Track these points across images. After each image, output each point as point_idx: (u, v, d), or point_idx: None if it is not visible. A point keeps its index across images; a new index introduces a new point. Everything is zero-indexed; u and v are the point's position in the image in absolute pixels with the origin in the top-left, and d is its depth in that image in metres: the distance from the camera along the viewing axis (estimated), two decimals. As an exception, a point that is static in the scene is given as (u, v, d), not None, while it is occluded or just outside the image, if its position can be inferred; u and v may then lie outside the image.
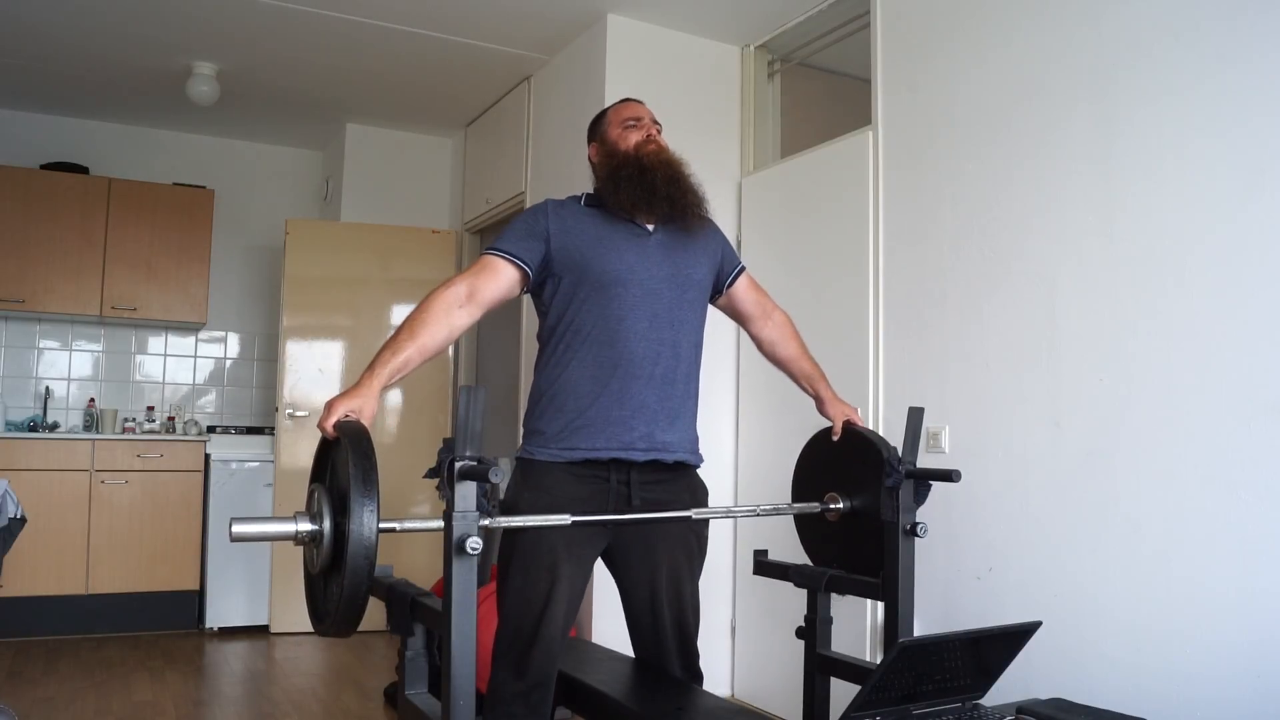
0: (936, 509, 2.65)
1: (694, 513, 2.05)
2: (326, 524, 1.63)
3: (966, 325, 2.86)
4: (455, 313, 2.00)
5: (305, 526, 1.64)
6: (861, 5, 3.41)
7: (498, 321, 5.41)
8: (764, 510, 2.23)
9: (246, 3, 3.78)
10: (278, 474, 4.83)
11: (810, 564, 2.37)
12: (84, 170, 5.07)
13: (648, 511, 2.02)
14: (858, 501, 2.23)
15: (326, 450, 1.76)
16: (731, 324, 3.87)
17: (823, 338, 3.44)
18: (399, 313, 5.11)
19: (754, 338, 2.40)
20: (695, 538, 2.16)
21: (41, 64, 4.45)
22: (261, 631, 4.80)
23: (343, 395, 1.78)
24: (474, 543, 1.57)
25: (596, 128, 2.24)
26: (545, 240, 2.05)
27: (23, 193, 4.83)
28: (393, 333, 1.95)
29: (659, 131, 2.19)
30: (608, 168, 2.14)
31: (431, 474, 1.67)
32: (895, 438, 2.22)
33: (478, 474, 1.59)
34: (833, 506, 2.25)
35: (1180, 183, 2.30)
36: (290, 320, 4.91)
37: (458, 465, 1.58)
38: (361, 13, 3.85)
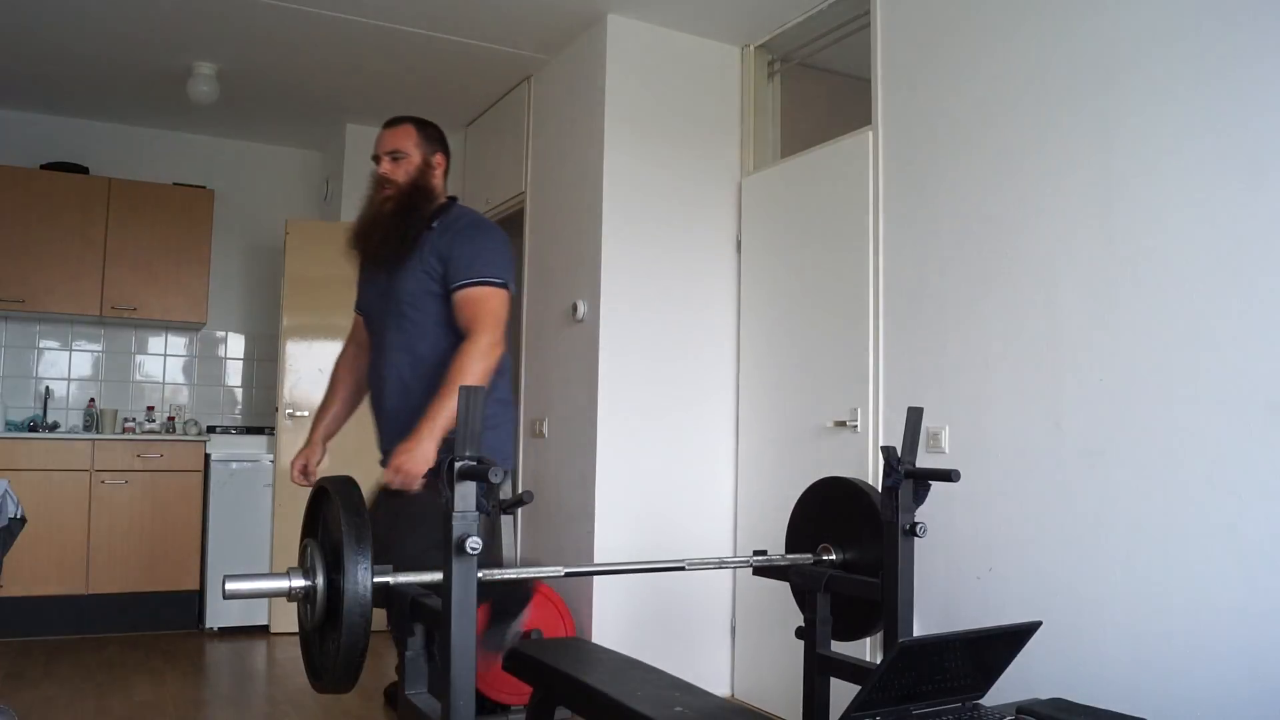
0: (936, 509, 2.65)
1: (686, 562, 2.18)
2: (320, 580, 1.65)
3: (966, 325, 2.86)
4: (358, 360, 2.62)
5: (299, 583, 1.67)
6: (861, 5, 3.40)
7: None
8: (756, 562, 2.27)
9: (246, 3, 3.78)
10: (278, 474, 4.83)
11: (809, 566, 2.37)
12: (84, 170, 5.07)
13: (388, 500, 2.20)
14: (850, 554, 2.26)
15: (317, 505, 1.77)
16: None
17: (823, 338, 3.44)
18: (399, 313, 5.10)
19: None
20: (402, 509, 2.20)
21: (41, 64, 4.45)
22: (261, 631, 4.80)
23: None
24: (474, 543, 1.58)
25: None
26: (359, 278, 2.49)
27: (23, 193, 4.82)
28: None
29: (398, 163, 2.38)
30: (365, 196, 2.45)
31: (432, 474, 1.67)
32: (895, 438, 2.22)
33: (477, 474, 1.59)
34: (825, 558, 2.28)
35: (1180, 182, 2.30)
36: (290, 320, 4.91)
37: (457, 465, 1.59)
38: (361, 13, 3.84)
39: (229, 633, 4.77)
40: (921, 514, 2.16)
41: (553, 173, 4.24)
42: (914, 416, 2.16)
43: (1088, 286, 2.50)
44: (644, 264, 3.80)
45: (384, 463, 2.26)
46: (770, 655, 3.57)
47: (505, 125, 4.78)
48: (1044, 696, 1.97)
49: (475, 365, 2.18)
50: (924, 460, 2.59)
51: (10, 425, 4.91)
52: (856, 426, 3.24)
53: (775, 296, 3.73)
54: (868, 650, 3.05)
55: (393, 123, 2.44)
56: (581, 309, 3.82)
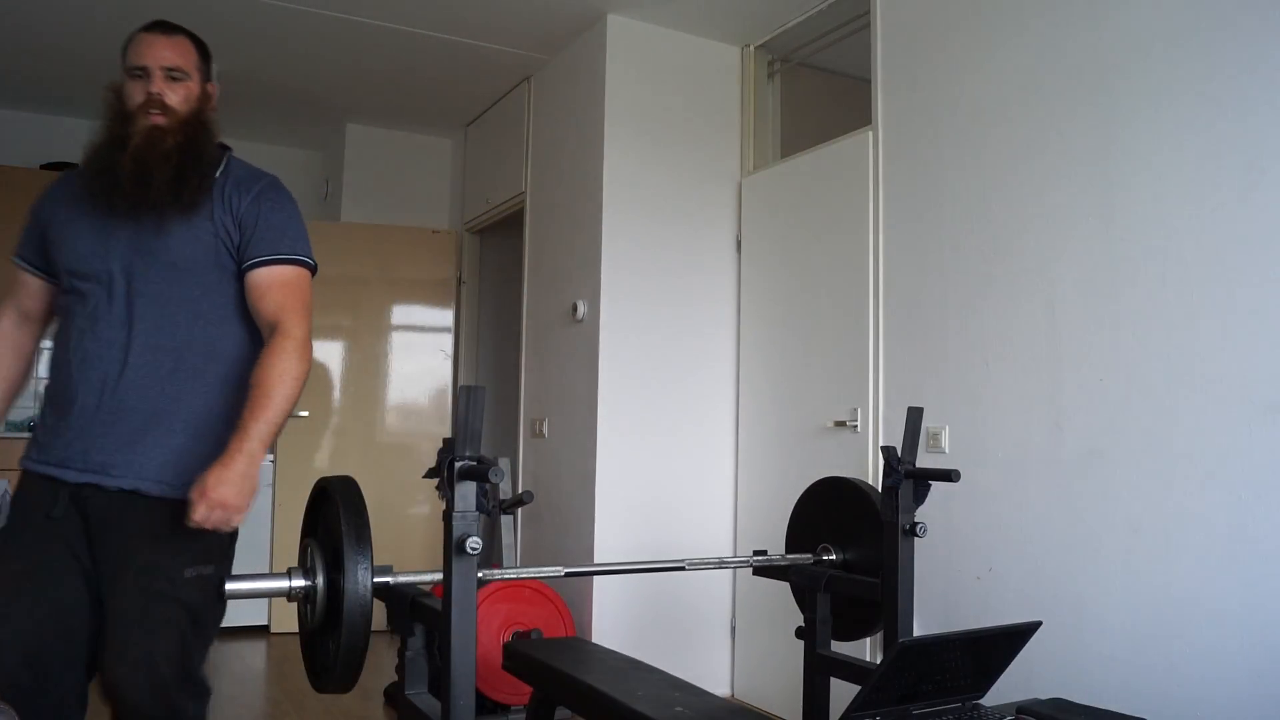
0: (936, 509, 2.65)
1: (686, 562, 2.08)
2: (320, 580, 1.65)
3: (966, 325, 2.86)
4: (18, 336, 1.95)
5: (299, 583, 1.67)
6: (861, 5, 3.41)
7: (497, 318, 5.41)
8: (756, 562, 2.27)
9: (246, 3, 3.78)
10: (277, 474, 4.83)
11: (809, 566, 2.37)
12: (84, 170, 5.06)
13: (109, 552, 1.71)
14: (850, 554, 2.26)
15: (317, 505, 1.77)
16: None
17: (823, 338, 3.44)
18: (399, 313, 5.11)
19: None
20: (162, 585, 1.72)
21: (41, 64, 4.45)
22: (261, 631, 4.80)
23: None
24: (474, 542, 1.58)
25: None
26: (42, 230, 1.84)
27: (23, 193, 4.78)
28: None
29: (176, 84, 1.81)
30: (99, 130, 1.82)
31: (431, 474, 1.67)
32: (895, 438, 2.22)
33: (477, 474, 1.59)
34: (825, 558, 2.28)
35: (1179, 183, 2.30)
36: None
37: (457, 465, 1.58)
38: (361, 13, 3.84)
39: (229, 633, 4.77)
40: (921, 514, 2.15)
41: (553, 173, 4.24)
42: (914, 416, 2.16)
43: (1088, 286, 2.50)
44: (644, 264, 3.80)
45: (75, 477, 1.72)
46: (770, 655, 3.57)
47: (505, 125, 4.78)
48: (1044, 696, 1.96)
49: (293, 367, 1.77)
50: (924, 460, 2.58)
51: (10, 425, 4.91)
52: (856, 426, 3.24)
53: (775, 296, 3.73)
54: (868, 650, 3.05)
55: (164, 29, 1.84)
56: (581, 309, 3.82)
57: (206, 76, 1.91)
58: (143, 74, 1.80)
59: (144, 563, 1.71)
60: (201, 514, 1.63)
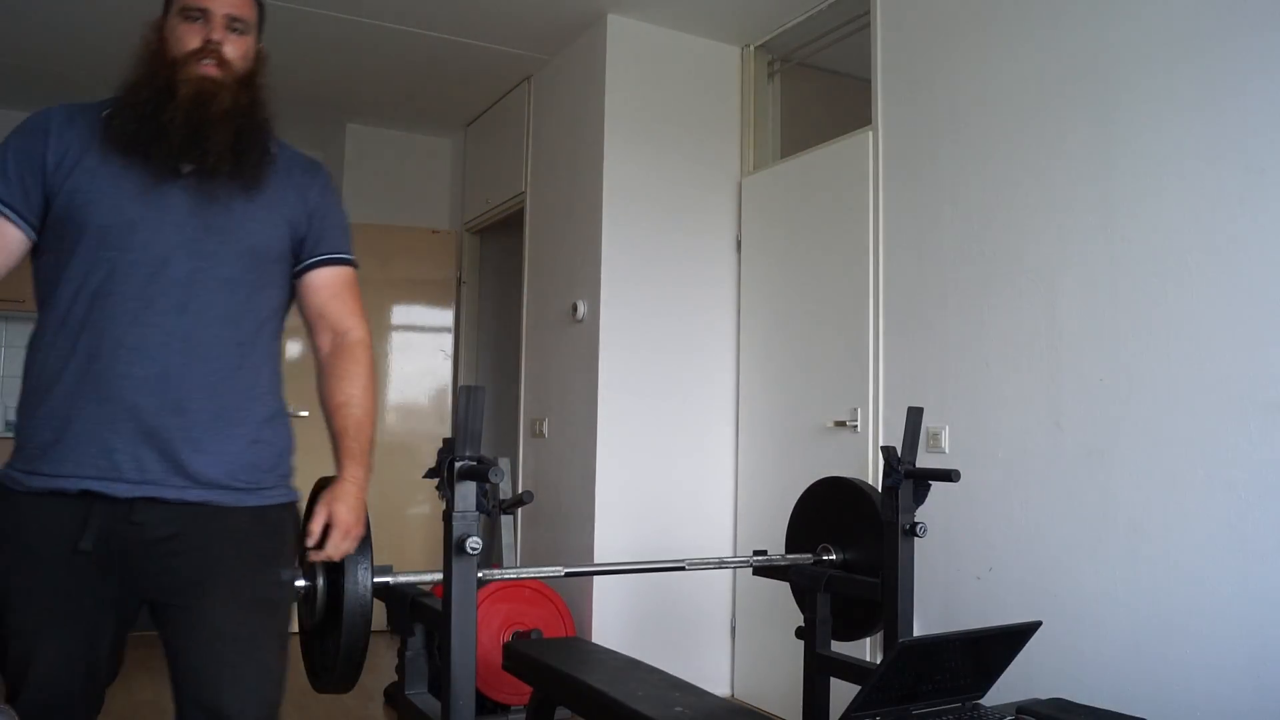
0: (936, 509, 2.65)
1: (686, 562, 2.07)
2: (320, 580, 1.65)
3: (966, 325, 2.86)
4: None
5: (299, 583, 1.66)
6: (861, 5, 3.41)
7: (497, 318, 5.41)
8: (756, 562, 2.27)
9: (246, 3, 3.78)
10: (278, 474, 4.83)
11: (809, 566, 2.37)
12: (84, 170, 5.05)
13: (178, 576, 1.48)
14: (850, 554, 2.27)
15: (316, 502, 1.77)
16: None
17: (823, 337, 3.44)
18: (399, 313, 5.11)
19: (314, 355, 1.79)
20: (264, 593, 1.55)
21: (42, 64, 4.45)
22: (261, 631, 4.80)
23: None
24: (474, 542, 1.58)
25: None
26: (44, 173, 1.49)
27: (23, 193, 4.81)
28: None
29: (240, 39, 1.54)
30: (135, 70, 1.54)
31: (431, 474, 1.67)
32: (895, 438, 2.22)
33: (477, 474, 1.59)
34: (825, 558, 2.29)
35: (1180, 183, 2.30)
36: (290, 320, 4.90)
37: (457, 465, 1.59)
38: (361, 13, 3.84)
39: (229, 633, 4.77)
40: (921, 514, 2.16)
41: (553, 173, 4.24)
42: (914, 416, 2.16)
43: (1088, 286, 2.51)
44: (644, 264, 3.80)
45: (127, 491, 1.44)
46: (770, 655, 3.57)
47: (505, 125, 4.78)
48: (1044, 696, 1.97)
49: (374, 379, 1.68)
50: (924, 460, 2.58)
51: (10, 426, 4.91)
52: (856, 426, 3.24)
53: (775, 296, 3.73)
54: (868, 650, 3.05)
55: None
56: (581, 309, 3.83)
57: (260, 36, 1.64)
58: (201, 16, 1.52)
59: (236, 575, 1.51)
60: (334, 545, 1.54)
